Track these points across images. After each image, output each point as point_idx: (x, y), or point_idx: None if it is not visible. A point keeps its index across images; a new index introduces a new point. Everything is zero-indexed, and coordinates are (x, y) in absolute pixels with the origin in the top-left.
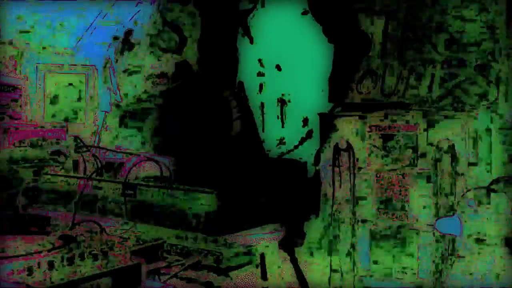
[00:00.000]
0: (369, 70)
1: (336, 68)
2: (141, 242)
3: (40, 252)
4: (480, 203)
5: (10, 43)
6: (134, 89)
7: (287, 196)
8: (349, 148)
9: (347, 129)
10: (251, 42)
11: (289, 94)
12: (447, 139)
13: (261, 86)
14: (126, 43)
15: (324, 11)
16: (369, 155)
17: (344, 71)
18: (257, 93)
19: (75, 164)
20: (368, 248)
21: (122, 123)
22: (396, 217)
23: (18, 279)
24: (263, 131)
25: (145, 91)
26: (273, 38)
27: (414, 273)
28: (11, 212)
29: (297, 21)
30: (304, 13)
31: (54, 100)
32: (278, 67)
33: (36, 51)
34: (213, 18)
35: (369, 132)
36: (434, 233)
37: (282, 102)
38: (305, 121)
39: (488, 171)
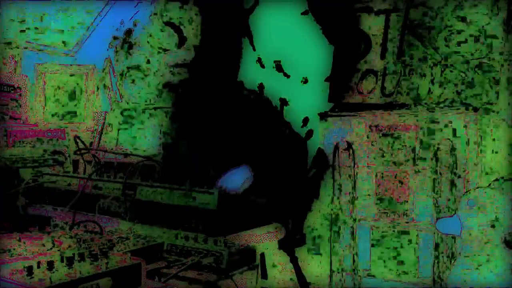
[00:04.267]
0: (369, 70)
1: (336, 69)
2: (141, 242)
3: (40, 252)
4: (480, 203)
5: (10, 43)
6: (133, 89)
7: (288, 197)
8: (349, 147)
9: (347, 129)
10: (252, 44)
11: (289, 94)
12: (447, 139)
13: (261, 85)
14: (126, 43)
15: (324, 12)
16: (369, 155)
17: (344, 71)
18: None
19: (75, 164)
20: (368, 248)
21: (122, 122)
22: (396, 217)
23: (18, 279)
24: None
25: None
26: (273, 38)
27: (414, 273)
28: (11, 212)
29: (297, 21)
30: (304, 13)
31: (54, 100)
32: (278, 67)
33: (36, 51)
34: (213, 16)
35: (369, 131)
36: (434, 233)
37: (282, 102)
38: (305, 121)
39: (488, 172)
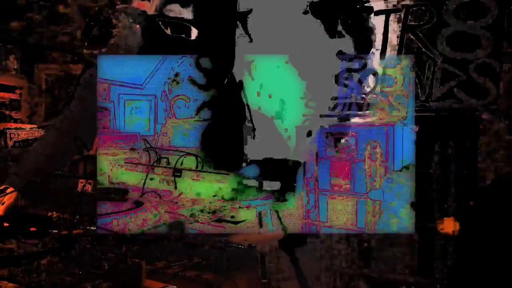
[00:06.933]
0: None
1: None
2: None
3: (121, 211)
4: (396, 181)
5: (105, 79)
6: (179, 110)
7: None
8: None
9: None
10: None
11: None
12: (374, 140)
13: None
14: (175, 81)
15: (301, 59)
16: (326, 151)
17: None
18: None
19: (143, 157)
20: (326, 209)
21: (173, 131)
22: (344, 189)
23: (108, 227)
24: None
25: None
26: (266, 77)
27: (354, 224)
28: (101, 187)
29: (282, 67)
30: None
31: (130, 116)
32: (269, 96)
33: (119, 85)
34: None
35: (326, 136)
36: (367, 200)
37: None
38: (286, 131)
39: (402, 161)
